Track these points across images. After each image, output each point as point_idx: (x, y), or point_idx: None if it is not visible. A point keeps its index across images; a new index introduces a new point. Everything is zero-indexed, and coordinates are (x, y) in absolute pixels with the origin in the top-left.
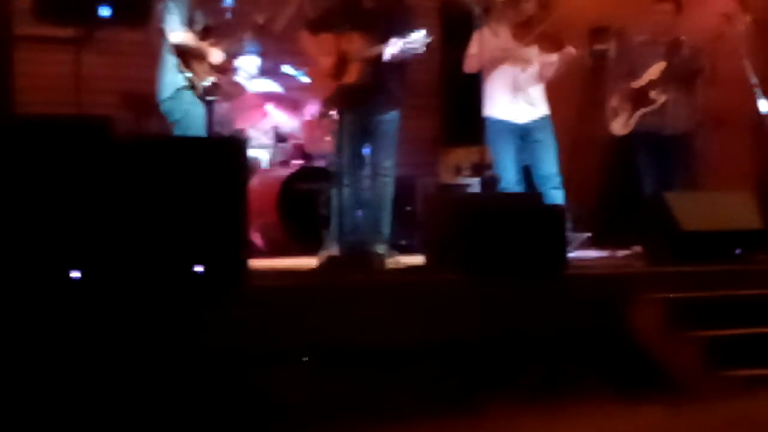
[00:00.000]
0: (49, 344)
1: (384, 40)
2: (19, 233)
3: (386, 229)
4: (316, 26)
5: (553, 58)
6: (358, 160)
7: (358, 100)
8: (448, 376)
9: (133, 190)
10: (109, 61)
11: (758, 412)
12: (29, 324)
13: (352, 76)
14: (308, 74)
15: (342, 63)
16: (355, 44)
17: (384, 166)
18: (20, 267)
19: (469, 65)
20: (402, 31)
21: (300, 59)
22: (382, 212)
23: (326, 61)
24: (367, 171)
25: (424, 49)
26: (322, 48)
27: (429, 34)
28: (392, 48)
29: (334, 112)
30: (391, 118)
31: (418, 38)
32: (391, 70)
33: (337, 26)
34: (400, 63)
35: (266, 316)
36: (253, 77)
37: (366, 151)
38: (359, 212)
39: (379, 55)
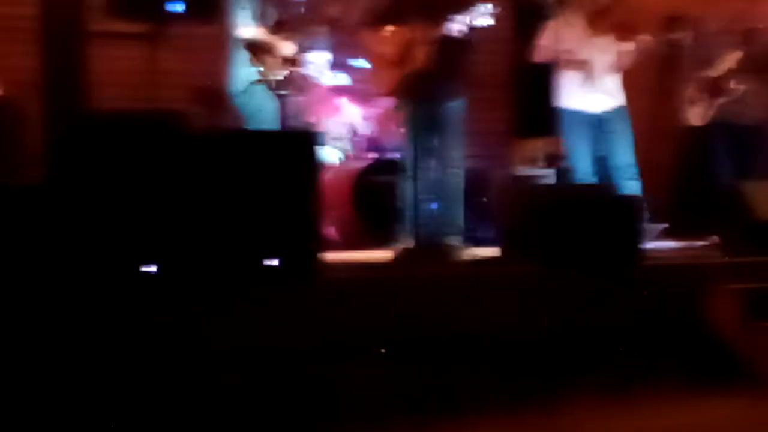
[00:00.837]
0: (123, 338)
1: (444, 20)
2: (95, 228)
3: (459, 220)
4: (376, 21)
5: (629, 47)
6: (426, 151)
7: (422, 89)
8: (524, 369)
9: (206, 185)
10: (182, 56)
11: None
12: (103, 318)
13: (417, 62)
14: (372, 69)
15: (406, 51)
16: (417, 31)
17: (452, 157)
18: (96, 261)
19: (539, 56)
20: (461, 8)
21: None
22: (454, 204)
23: (390, 53)
24: (436, 162)
25: (492, 20)
26: (385, 42)
27: (494, 5)
28: (458, 24)
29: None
30: (457, 105)
31: (483, 10)
32: (455, 55)
33: (396, 19)
34: (465, 46)
35: (341, 308)
36: (324, 71)
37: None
38: (433, 204)
39: (445, 36)
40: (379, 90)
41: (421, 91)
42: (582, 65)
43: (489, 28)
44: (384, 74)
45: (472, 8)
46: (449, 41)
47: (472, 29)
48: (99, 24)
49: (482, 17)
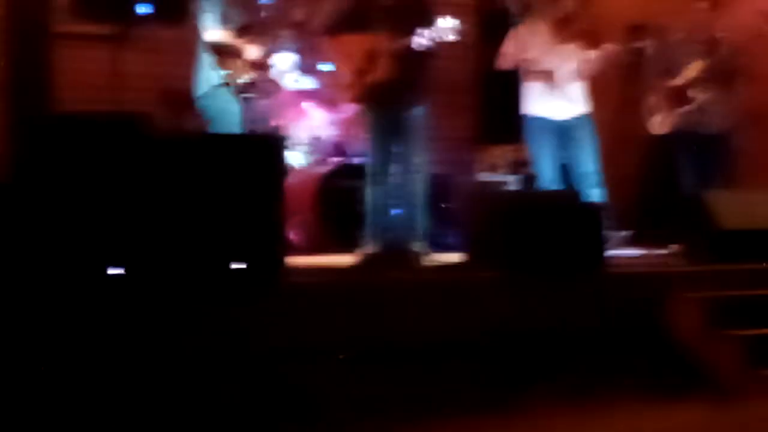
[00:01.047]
0: (86, 340)
1: (409, 33)
2: (58, 229)
3: (422, 226)
4: (337, 29)
5: (593, 54)
6: (389, 157)
7: (386, 96)
8: (486, 374)
9: (171, 188)
10: (147, 58)
11: None
12: (68, 320)
13: (379, 72)
14: (335, 76)
15: (368, 61)
16: (381, 41)
17: (416, 163)
18: (59, 263)
19: (503, 63)
20: (425, 21)
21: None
22: (418, 209)
23: (351, 63)
24: (399, 168)
25: (456, 36)
26: (346, 50)
27: (460, 21)
28: (422, 38)
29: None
30: (419, 113)
31: (447, 25)
32: (417, 64)
33: (358, 26)
34: (427, 56)
35: (304, 313)
36: (289, 74)
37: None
38: (396, 209)
39: (408, 48)
40: (342, 97)
41: (384, 98)
42: (545, 76)
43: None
44: (346, 82)
45: (436, 23)
46: (412, 53)
47: (436, 43)
48: (65, 25)
49: (446, 33)
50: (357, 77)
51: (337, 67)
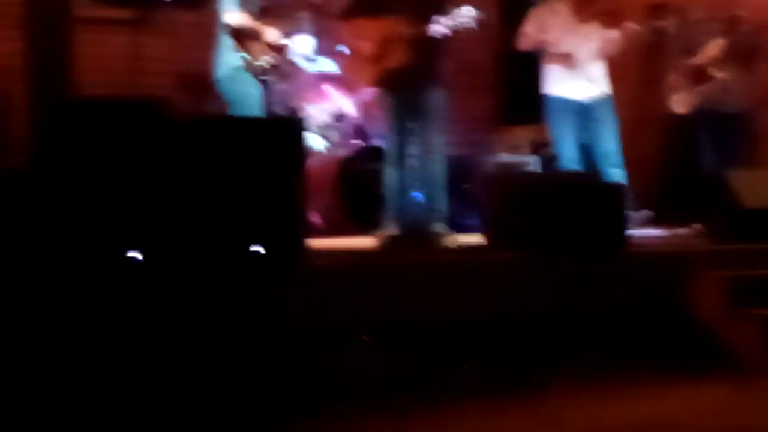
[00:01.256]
0: (107, 324)
1: (426, 20)
2: (79, 214)
3: (443, 207)
4: (353, 13)
5: (614, 34)
6: (407, 139)
7: (402, 81)
8: (507, 354)
9: (192, 171)
10: (167, 42)
11: None
12: (88, 304)
13: (395, 59)
14: (352, 60)
15: (384, 46)
16: (397, 26)
17: (435, 144)
18: (81, 247)
19: (524, 43)
20: (442, 9)
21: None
22: (438, 191)
23: (367, 47)
24: (419, 150)
25: (474, 24)
26: (362, 34)
27: (478, 8)
28: (439, 26)
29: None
30: (435, 95)
31: (465, 13)
32: (434, 51)
33: (375, 11)
34: (443, 43)
35: (326, 295)
36: (309, 57)
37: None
38: (417, 192)
39: (424, 35)
40: (360, 80)
41: (401, 83)
42: (564, 59)
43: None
44: (364, 66)
45: (454, 11)
46: (429, 40)
47: (454, 31)
48: (85, 10)
49: (464, 21)
50: (374, 62)
51: (354, 51)
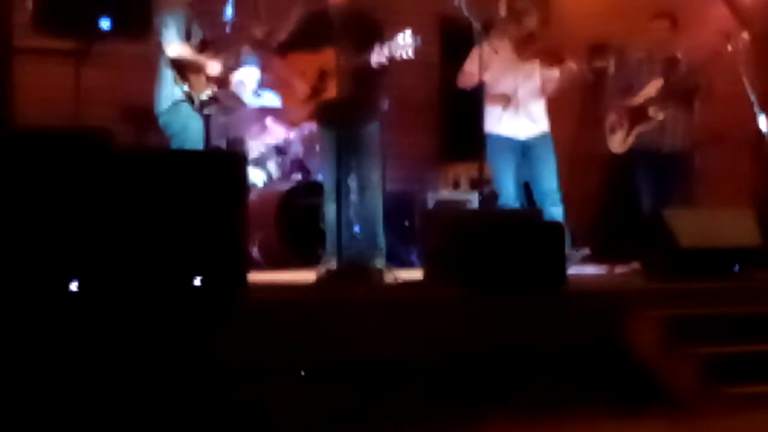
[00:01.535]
0: (46, 355)
1: (362, 50)
2: (18, 245)
3: (382, 242)
4: (289, 47)
5: (555, 73)
6: (345, 174)
7: (338, 114)
8: (446, 392)
9: (132, 203)
10: (109, 74)
11: (757, 429)
12: (28, 335)
13: (332, 90)
14: (284, 97)
15: (321, 79)
16: (333, 58)
17: (371, 180)
18: (19, 279)
19: (464, 81)
20: (379, 38)
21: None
22: (376, 226)
23: (302, 81)
24: (356, 184)
25: (412, 53)
26: (299, 68)
27: (417, 38)
28: (378, 55)
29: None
30: (372, 129)
31: (404, 41)
32: (371, 81)
33: (310, 44)
34: (382, 73)
35: (264, 329)
36: (254, 91)
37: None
38: (355, 226)
39: (362, 66)
40: (300, 114)
41: (336, 116)
42: (503, 99)
43: (411, 58)
44: (297, 104)
45: (391, 40)
46: (366, 70)
47: (392, 60)
48: (25, 40)
49: (404, 49)
50: (310, 95)
51: (292, 85)
